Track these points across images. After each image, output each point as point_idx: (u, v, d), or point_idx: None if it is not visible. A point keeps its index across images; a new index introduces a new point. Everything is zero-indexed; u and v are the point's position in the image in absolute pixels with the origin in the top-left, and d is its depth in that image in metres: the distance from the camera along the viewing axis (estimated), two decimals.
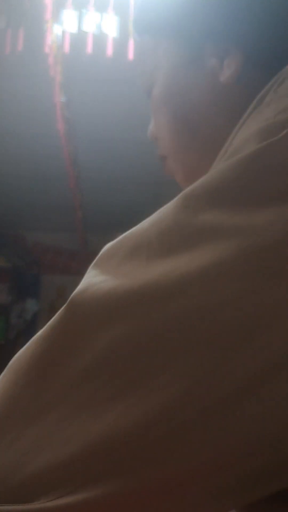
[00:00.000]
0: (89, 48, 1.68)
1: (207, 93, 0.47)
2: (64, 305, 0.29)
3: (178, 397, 0.24)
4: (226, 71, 0.45)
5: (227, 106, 0.47)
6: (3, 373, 0.30)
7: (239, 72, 0.45)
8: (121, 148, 2.71)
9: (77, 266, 4.00)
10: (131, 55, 1.67)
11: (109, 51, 1.68)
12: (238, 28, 0.44)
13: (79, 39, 1.68)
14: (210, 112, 0.48)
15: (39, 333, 0.30)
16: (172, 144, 0.52)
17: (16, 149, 2.77)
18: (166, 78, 0.50)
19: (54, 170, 2.90)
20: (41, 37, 1.73)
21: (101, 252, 0.33)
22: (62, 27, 1.70)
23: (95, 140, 2.66)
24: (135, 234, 0.32)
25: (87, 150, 2.72)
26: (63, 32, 1.70)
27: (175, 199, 0.31)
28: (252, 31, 0.44)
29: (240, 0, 0.44)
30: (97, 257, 0.33)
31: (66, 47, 1.70)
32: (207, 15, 0.46)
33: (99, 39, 1.68)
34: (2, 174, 3.08)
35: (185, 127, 0.50)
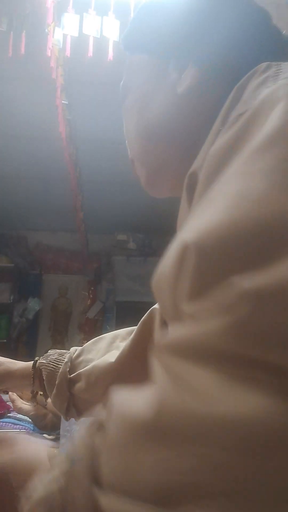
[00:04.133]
0: (90, 52, 1.69)
1: (166, 103, 0.54)
2: None
3: None
4: (183, 82, 0.52)
5: (184, 114, 0.52)
6: None
7: (194, 84, 0.51)
8: (122, 150, 2.71)
9: (78, 266, 4.01)
10: None
11: (110, 54, 1.69)
12: (195, 47, 0.52)
13: (80, 42, 1.69)
14: (169, 120, 0.53)
15: None
16: (138, 148, 0.58)
17: (18, 151, 2.78)
18: (136, 89, 0.58)
19: (55, 171, 2.92)
20: (43, 41, 1.75)
21: None
22: (64, 30, 1.71)
23: (96, 142, 2.67)
24: None
25: (88, 152, 2.74)
26: (65, 36, 1.72)
27: None
28: (206, 49, 0.51)
29: (197, 24, 0.52)
30: None
31: (68, 50, 1.71)
32: (171, 36, 0.54)
33: (100, 42, 1.70)
34: (5, 176, 3.10)
35: (147, 133, 0.56)
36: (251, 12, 0.52)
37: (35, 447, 0.50)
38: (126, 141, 0.62)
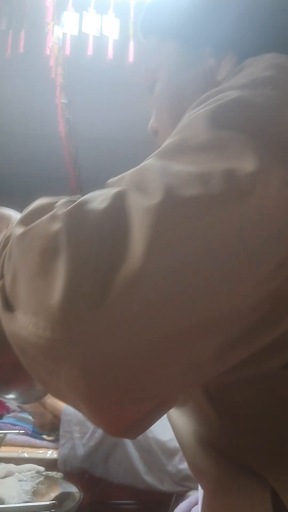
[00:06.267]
0: (90, 50, 1.69)
1: (202, 90, 0.50)
2: None
3: None
4: (222, 70, 0.50)
5: None
6: None
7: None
8: (121, 148, 2.72)
9: None
10: (131, 57, 1.68)
11: (110, 53, 1.69)
12: (235, 34, 0.50)
13: (80, 41, 1.69)
14: None
15: None
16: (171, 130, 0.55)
17: (17, 150, 2.78)
18: (169, 75, 0.56)
19: (55, 170, 2.91)
20: (42, 39, 1.74)
21: None
22: (63, 29, 1.71)
23: (95, 141, 2.67)
24: None
25: (88, 151, 2.74)
26: (64, 34, 1.71)
27: None
28: (245, 37, 0.50)
29: (236, 11, 0.50)
30: None
31: (67, 49, 1.71)
32: (209, 22, 0.52)
33: (100, 41, 1.69)
34: (3, 174, 3.09)
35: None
36: None
37: None
38: (158, 129, 0.59)
